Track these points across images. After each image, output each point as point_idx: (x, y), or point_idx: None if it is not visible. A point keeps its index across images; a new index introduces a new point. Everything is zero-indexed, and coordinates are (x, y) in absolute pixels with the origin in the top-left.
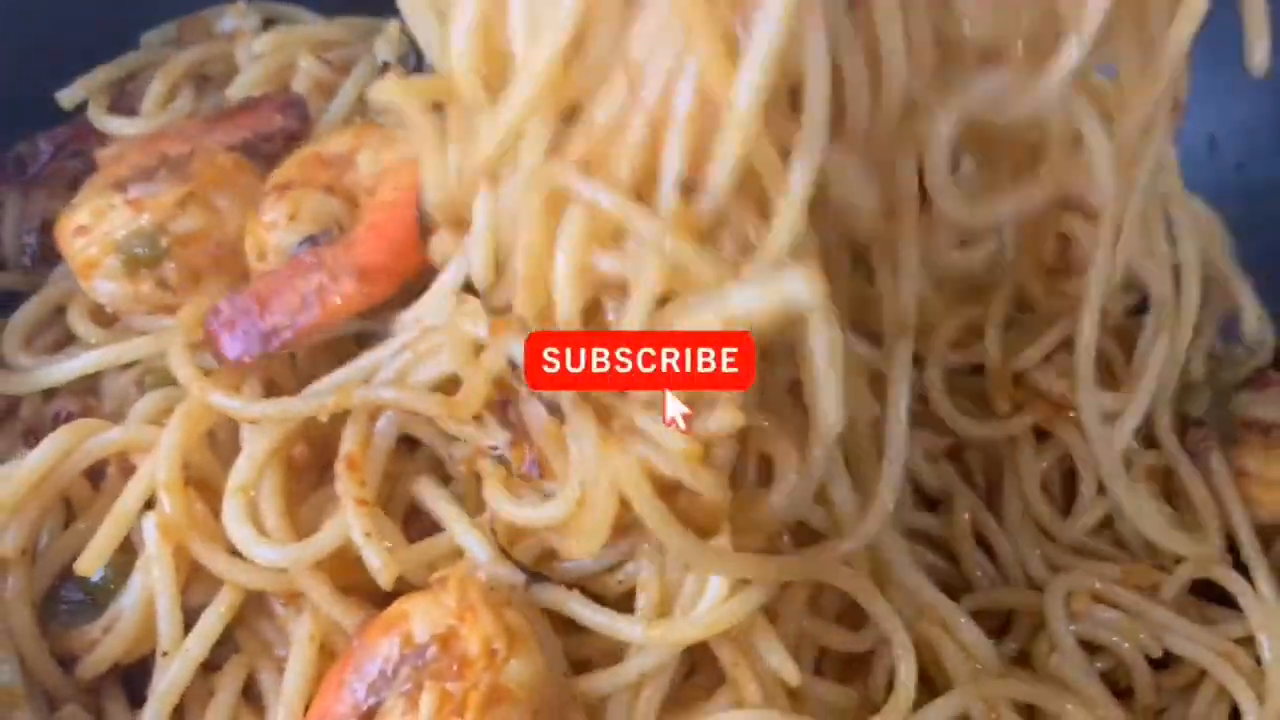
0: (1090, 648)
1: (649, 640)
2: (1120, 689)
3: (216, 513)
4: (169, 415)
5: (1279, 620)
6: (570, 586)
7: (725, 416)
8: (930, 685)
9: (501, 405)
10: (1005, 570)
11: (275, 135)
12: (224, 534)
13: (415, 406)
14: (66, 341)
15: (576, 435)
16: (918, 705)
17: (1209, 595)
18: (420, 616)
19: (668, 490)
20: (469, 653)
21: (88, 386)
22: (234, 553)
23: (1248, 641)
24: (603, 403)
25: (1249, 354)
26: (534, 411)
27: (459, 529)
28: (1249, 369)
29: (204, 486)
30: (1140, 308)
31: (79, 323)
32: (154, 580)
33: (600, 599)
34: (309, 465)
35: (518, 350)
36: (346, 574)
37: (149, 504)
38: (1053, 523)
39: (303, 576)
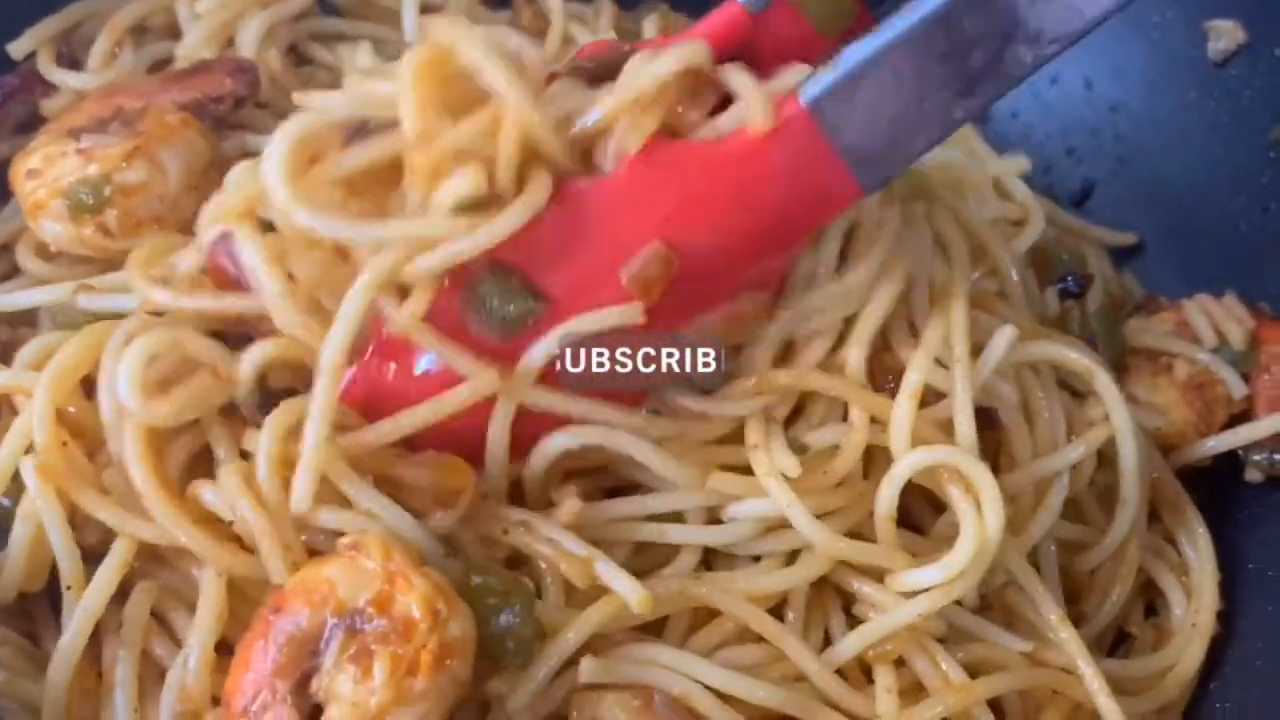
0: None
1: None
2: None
3: (92, 457)
4: None
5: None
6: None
7: None
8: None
9: None
10: None
11: (225, 97)
12: (106, 482)
13: None
14: (9, 275)
15: None
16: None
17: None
18: (346, 583)
19: None
20: (411, 615)
21: (23, 317)
22: (123, 505)
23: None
24: None
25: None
26: None
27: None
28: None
29: (80, 434)
30: None
31: (25, 258)
32: (42, 519)
33: None
34: None
35: None
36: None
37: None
38: None
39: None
